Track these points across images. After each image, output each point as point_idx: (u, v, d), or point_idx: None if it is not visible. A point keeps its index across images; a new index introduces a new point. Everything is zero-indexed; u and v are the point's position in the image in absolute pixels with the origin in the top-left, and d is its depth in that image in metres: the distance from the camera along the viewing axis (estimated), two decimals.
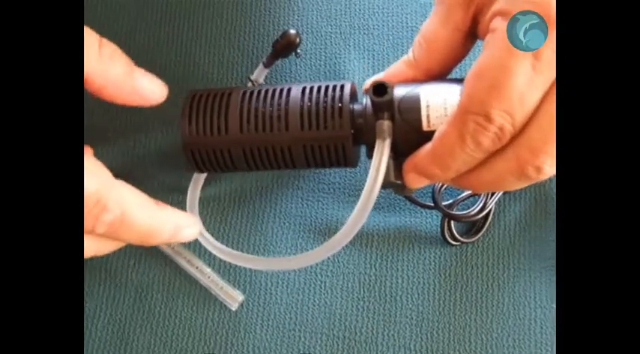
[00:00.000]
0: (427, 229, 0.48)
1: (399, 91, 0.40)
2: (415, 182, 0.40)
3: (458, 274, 0.46)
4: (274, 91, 0.42)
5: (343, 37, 0.53)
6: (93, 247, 0.40)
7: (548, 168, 0.35)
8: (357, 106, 0.42)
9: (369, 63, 0.52)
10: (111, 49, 0.40)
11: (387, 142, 0.39)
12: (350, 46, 0.53)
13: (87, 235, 0.39)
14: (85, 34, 0.39)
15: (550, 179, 0.47)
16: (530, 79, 0.34)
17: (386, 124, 0.39)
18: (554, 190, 0.47)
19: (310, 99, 0.42)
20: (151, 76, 0.42)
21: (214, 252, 0.45)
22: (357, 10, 0.53)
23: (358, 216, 0.39)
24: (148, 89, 0.42)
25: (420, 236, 0.47)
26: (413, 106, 0.39)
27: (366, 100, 0.41)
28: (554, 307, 0.45)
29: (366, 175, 0.48)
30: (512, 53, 0.34)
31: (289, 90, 0.42)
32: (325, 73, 0.52)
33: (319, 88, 0.42)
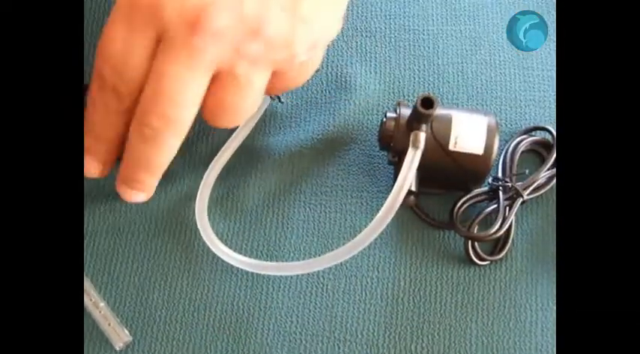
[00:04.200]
0: (429, 233, 0.48)
1: None
2: (94, 173, 0.42)
3: (460, 276, 0.46)
4: None
5: (345, 39, 0.53)
6: None
7: (159, 126, 0.38)
8: (390, 114, 0.44)
9: (371, 65, 0.52)
10: None
11: (419, 153, 0.42)
12: (352, 48, 0.53)
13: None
14: None
15: (551, 189, 0.47)
16: (126, 39, 0.37)
17: (421, 135, 0.43)
18: (554, 196, 0.47)
19: None
20: None
21: (235, 264, 0.46)
22: (360, 12, 0.54)
23: (384, 216, 0.43)
24: None
25: (422, 239, 0.47)
26: (445, 125, 0.43)
27: (399, 110, 0.44)
28: (555, 308, 0.44)
29: (369, 178, 0.49)
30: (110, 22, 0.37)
31: None
32: (327, 75, 0.52)
33: None
